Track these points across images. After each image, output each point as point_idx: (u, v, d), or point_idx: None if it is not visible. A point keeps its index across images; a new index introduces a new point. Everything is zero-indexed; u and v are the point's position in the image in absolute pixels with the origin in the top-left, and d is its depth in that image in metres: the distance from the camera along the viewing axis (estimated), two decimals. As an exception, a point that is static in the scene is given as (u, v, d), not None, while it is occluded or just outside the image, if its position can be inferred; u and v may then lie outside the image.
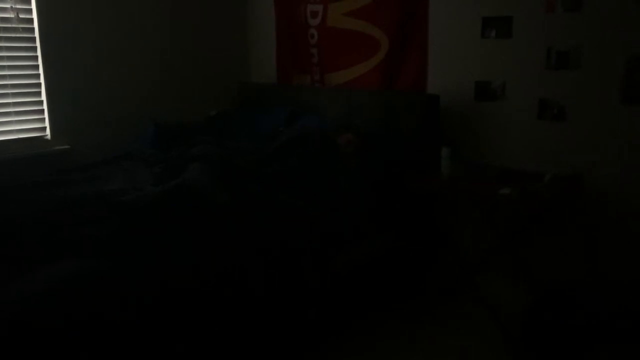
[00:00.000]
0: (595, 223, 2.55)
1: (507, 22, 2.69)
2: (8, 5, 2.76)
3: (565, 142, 2.59)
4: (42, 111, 2.95)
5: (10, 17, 2.78)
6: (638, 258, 2.45)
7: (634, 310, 2.42)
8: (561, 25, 2.53)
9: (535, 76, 2.63)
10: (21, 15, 2.82)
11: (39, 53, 2.89)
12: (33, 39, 2.88)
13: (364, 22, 3.22)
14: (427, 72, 3.02)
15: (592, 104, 2.50)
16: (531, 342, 2.29)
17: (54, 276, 1.62)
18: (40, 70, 2.91)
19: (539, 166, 2.61)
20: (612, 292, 2.48)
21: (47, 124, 2.97)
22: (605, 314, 2.33)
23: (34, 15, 2.86)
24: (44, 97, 2.94)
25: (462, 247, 2.96)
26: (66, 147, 3.00)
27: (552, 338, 2.22)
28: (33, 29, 2.87)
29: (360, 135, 2.85)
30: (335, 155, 2.67)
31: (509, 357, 2.33)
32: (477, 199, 2.66)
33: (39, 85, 2.93)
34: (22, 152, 2.85)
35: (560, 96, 2.58)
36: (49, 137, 2.98)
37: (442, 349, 2.38)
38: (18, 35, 2.82)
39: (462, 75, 2.88)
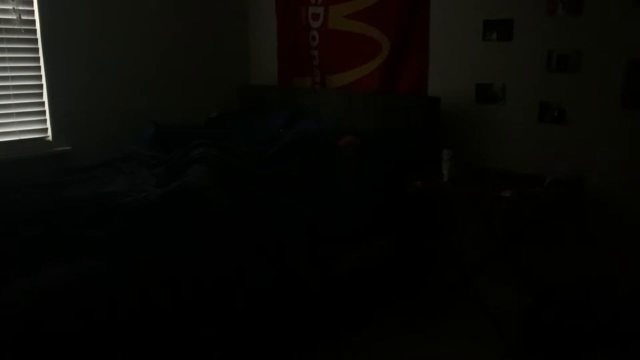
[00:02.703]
0: (596, 225, 2.55)
1: (508, 24, 2.69)
2: (10, 7, 2.77)
3: (566, 144, 2.60)
4: (43, 112, 2.96)
5: (12, 19, 2.79)
6: (638, 259, 2.45)
7: (634, 311, 2.41)
8: (562, 28, 2.53)
9: (536, 79, 2.64)
10: (23, 17, 2.83)
11: (40, 54, 2.90)
12: (35, 41, 2.89)
13: (365, 24, 3.22)
14: (428, 75, 3.03)
15: (592, 107, 2.50)
16: (530, 343, 2.28)
17: (54, 276, 1.62)
18: (42, 72, 2.92)
19: (539, 169, 2.61)
20: (612, 292, 2.48)
21: (48, 125, 2.98)
22: (606, 314, 2.32)
23: (36, 17, 2.87)
24: (45, 98, 2.95)
25: (462, 249, 2.96)
26: (67, 148, 3.01)
27: (551, 339, 2.22)
28: (35, 30, 2.88)
29: (361, 138, 2.85)
30: (336, 157, 2.68)
31: (508, 358, 2.33)
32: (477, 201, 2.66)
33: (40, 86, 2.93)
34: (24, 153, 2.85)
35: (560, 99, 2.59)
36: (50, 138, 2.99)
37: (442, 349, 2.38)
38: (20, 36, 2.83)
39: (463, 77, 2.88)
